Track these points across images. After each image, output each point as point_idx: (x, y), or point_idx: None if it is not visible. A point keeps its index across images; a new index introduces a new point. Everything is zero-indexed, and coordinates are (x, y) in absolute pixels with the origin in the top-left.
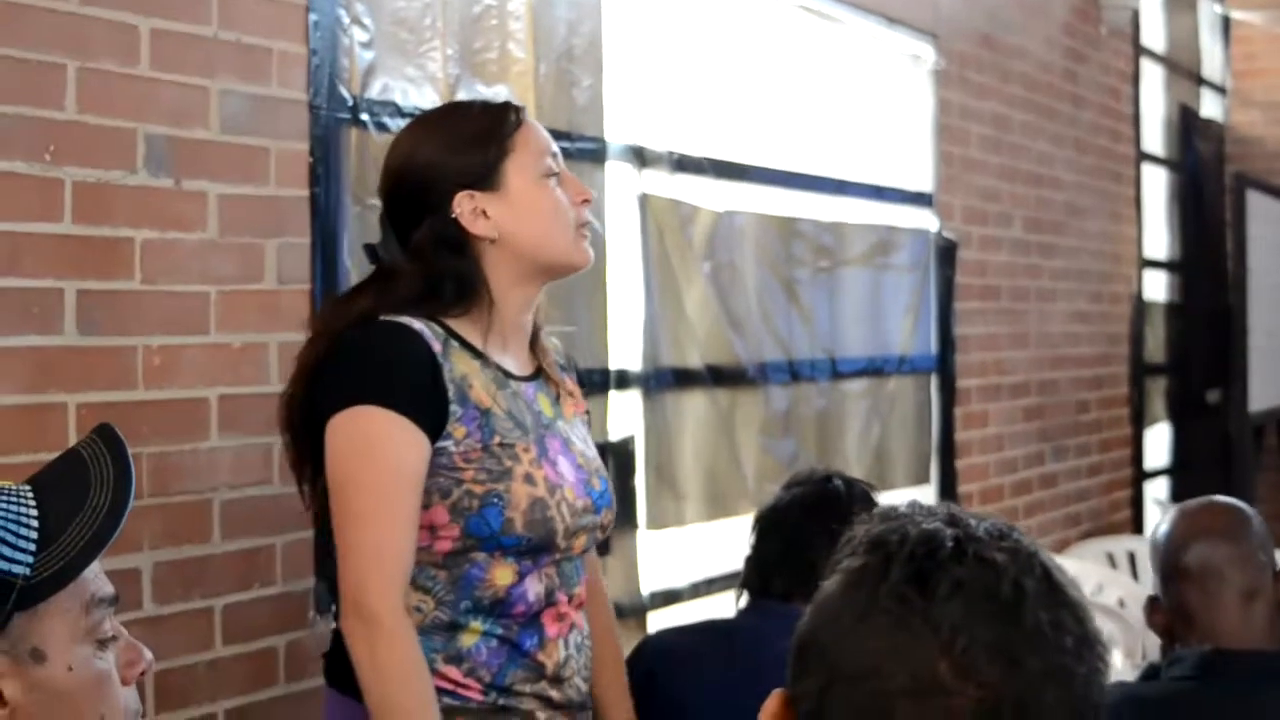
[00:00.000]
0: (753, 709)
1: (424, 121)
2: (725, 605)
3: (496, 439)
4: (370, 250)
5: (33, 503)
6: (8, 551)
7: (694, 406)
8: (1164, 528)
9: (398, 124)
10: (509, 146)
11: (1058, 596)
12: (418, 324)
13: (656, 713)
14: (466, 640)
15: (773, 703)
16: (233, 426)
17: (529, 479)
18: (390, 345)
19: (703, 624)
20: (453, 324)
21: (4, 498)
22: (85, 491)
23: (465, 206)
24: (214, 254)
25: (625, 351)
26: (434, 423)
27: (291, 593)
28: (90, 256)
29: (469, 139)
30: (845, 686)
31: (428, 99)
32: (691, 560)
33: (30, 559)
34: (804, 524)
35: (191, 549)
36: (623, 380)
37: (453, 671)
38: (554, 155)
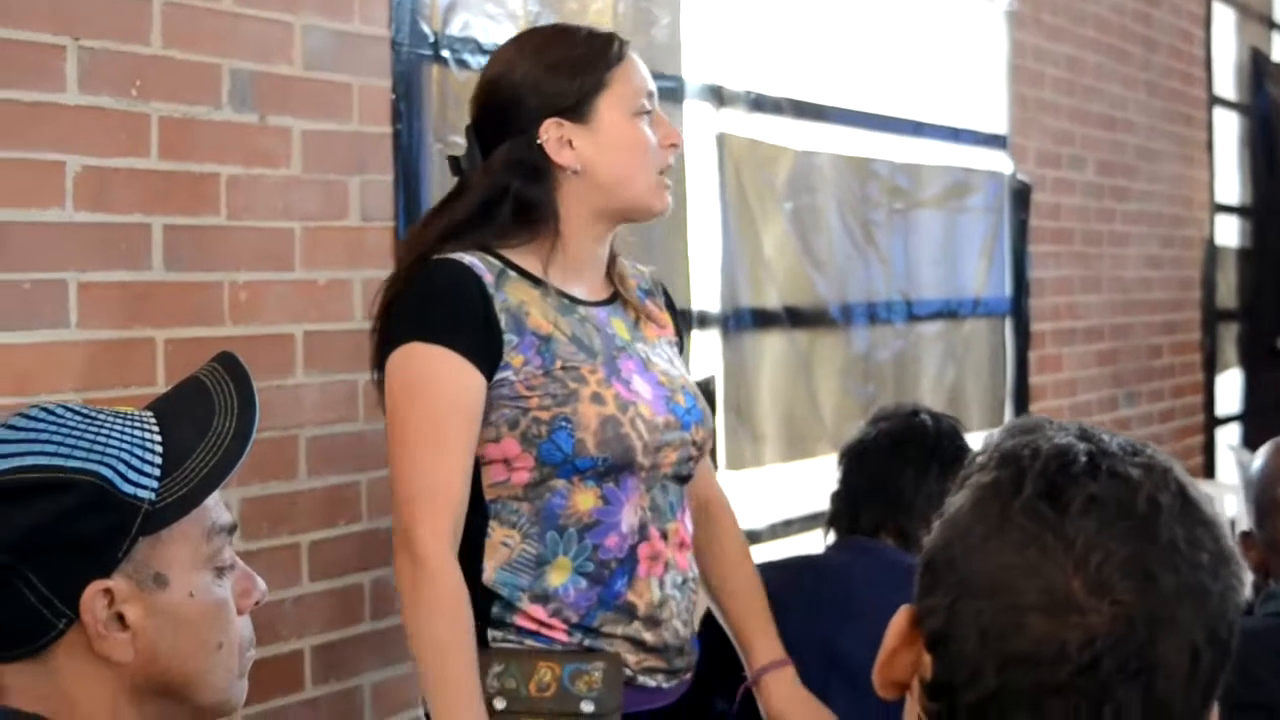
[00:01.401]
0: (842, 644)
1: (528, 39)
2: (803, 546)
3: (559, 364)
4: (453, 161)
5: (155, 428)
6: (133, 475)
7: (772, 347)
8: (1259, 462)
9: (478, 61)
10: (606, 80)
11: (1193, 513)
12: (469, 258)
13: None
14: (554, 579)
15: (900, 619)
16: (318, 363)
17: (597, 399)
18: (437, 282)
19: (792, 559)
20: (510, 254)
21: (127, 423)
22: (209, 418)
23: (552, 134)
24: (298, 190)
25: (704, 292)
26: (488, 355)
27: (377, 530)
28: (176, 192)
29: (568, 65)
30: (975, 602)
31: (508, 36)
32: (770, 501)
33: (155, 484)
34: (891, 458)
35: (278, 485)
36: (702, 321)
37: (538, 611)
38: (650, 94)
